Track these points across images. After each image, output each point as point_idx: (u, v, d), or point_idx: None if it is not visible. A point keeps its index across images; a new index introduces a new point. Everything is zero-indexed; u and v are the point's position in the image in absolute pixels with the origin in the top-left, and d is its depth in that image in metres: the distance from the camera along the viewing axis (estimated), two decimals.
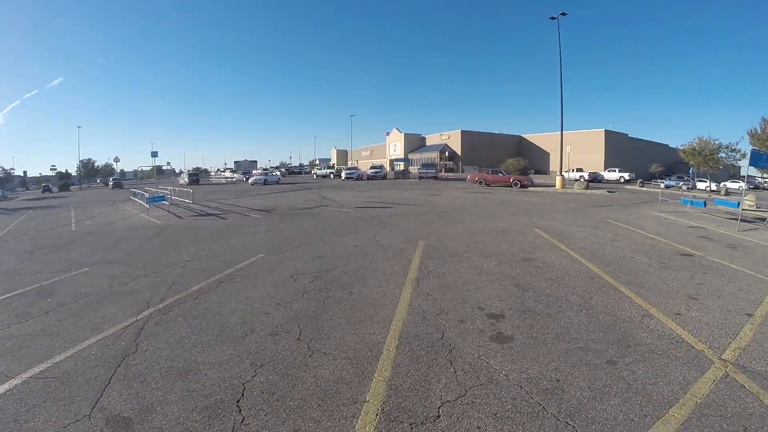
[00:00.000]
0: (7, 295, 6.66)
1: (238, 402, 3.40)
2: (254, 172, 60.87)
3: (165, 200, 19.87)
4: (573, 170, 45.13)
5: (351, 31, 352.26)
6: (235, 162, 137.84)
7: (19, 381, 3.91)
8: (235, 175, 65.12)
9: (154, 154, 28.21)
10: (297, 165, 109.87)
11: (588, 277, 6.84)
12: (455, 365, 3.89)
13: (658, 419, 3.15)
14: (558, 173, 32.15)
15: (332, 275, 6.88)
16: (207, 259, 8.24)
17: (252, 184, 41.52)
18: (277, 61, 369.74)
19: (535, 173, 46.26)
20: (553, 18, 30.41)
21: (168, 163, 48.62)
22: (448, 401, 3.34)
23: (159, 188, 25.62)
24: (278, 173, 53.87)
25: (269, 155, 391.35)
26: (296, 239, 10.01)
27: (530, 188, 29.47)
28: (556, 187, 29.61)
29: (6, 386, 3.84)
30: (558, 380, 3.64)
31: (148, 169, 47.14)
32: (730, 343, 4.48)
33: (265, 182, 42.45)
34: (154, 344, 4.51)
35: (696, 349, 4.30)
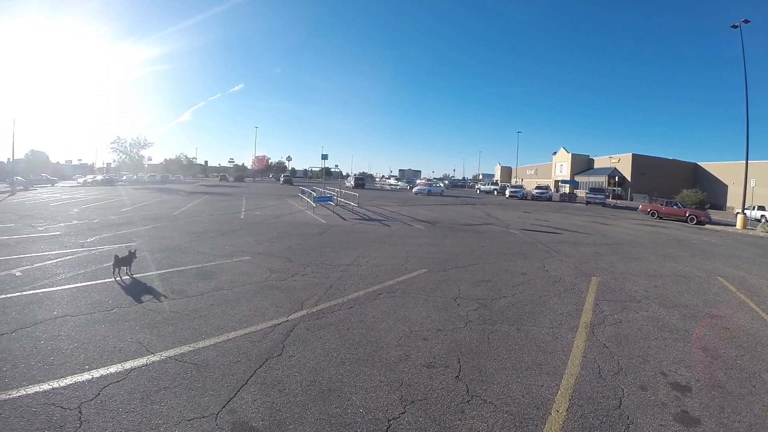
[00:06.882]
0: (168, 270, 7.21)
1: None
2: (418, 181, 60.55)
3: (331, 201, 20.88)
4: (754, 207, 36.54)
5: (519, 49, 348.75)
6: (400, 170, 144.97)
7: (158, 358, 3.89)
8: (399, 183, 65.98)
9: (324, 157, 31.98)
10: (460, 178, 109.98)
11: None
12: None
13: None
14: (740, 210, 26.58)
15: (498, 305, 6.04)
16: (367, 267, 7.97)
17: (416, 194, 41.46)
18: (449, 75, 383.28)
19: (710, 207, 39.27)
20: (735, 26, 24.68)
21: (336, 166, 53.36)
22: None
23: (326, 188, 27.14)
24: (442, 185, 52.96)
25: (433, 166, 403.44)
26: (460, 257, 9.32)
27: (707, 225, 25.23)
28: (737, 226, 24.45)
29: (144, 360, 3.84)
30: None
31: (318, 169, 51.06)
32: None
33: (429, 193, 42.14)
34: (301, 351, 4.18)
35: None
